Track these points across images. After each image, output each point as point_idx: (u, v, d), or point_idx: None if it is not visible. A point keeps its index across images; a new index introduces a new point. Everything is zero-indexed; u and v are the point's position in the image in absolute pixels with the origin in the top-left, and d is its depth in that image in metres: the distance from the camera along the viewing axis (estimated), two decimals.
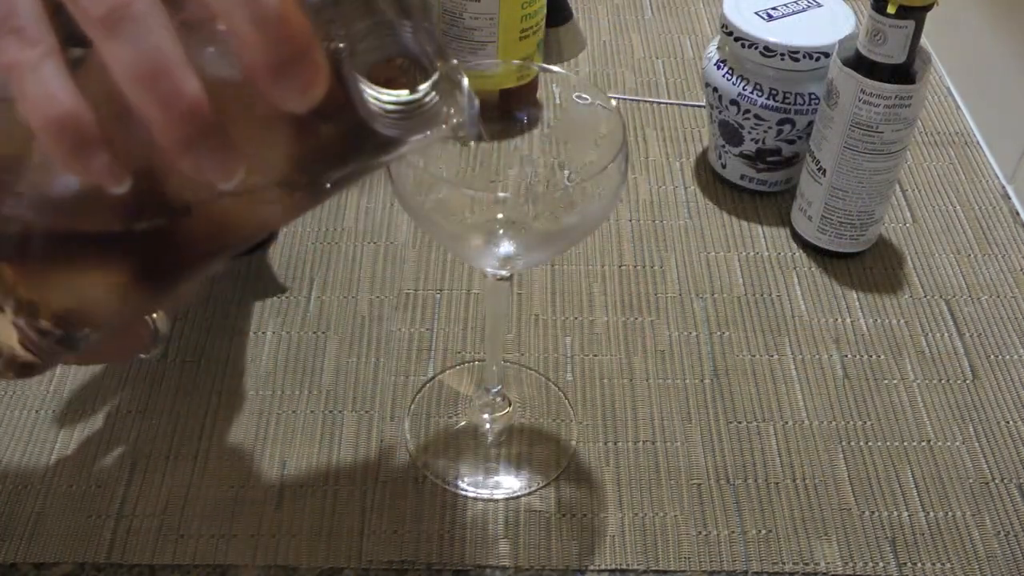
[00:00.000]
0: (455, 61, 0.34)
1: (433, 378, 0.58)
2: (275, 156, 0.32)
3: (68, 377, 0.58)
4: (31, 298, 0.33)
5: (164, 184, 0.32)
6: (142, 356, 0.45)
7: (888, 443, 0.56)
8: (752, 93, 0.65)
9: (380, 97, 0.31)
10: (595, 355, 0.60)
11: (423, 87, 0.33)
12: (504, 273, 0.48)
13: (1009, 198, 0.72)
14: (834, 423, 0.56)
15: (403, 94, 0.32)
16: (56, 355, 0.35)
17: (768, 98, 0.65)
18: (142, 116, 0.28)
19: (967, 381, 0.59)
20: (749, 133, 0.67)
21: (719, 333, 0.61)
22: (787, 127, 0.66)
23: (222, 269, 0.43)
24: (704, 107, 0.78)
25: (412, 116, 0.33)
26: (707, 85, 0.68)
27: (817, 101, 0.65)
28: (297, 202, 0.35)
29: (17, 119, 0.29)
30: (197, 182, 0.30)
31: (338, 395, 0.57)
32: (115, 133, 0.29)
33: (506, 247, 0.44)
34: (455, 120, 0.35)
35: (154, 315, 0.43)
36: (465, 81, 0.34)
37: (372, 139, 0.32)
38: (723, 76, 0.67)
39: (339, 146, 0.33)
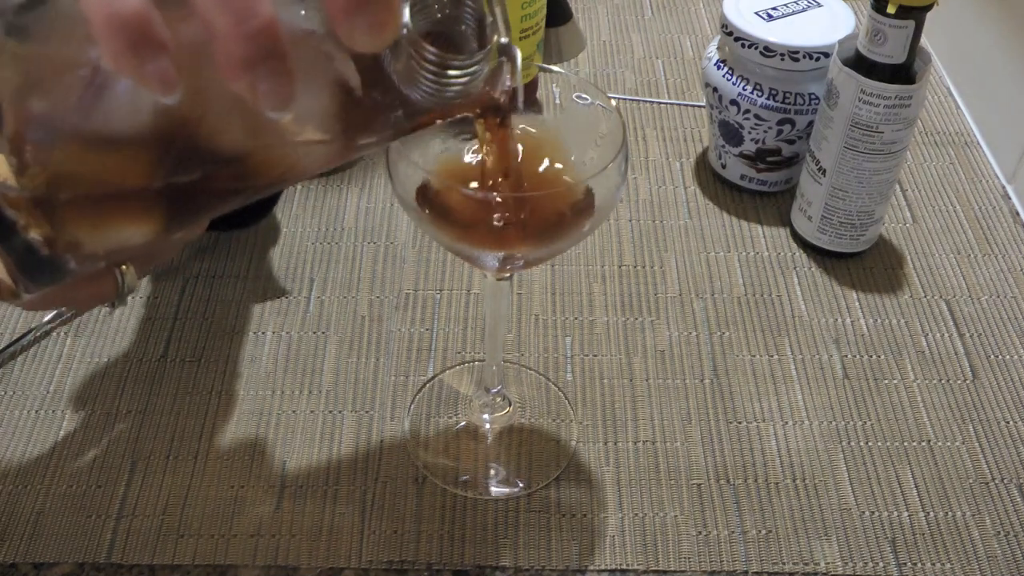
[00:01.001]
0: (508, 40, 0.35)
1: (433, 378, 0.58)
2: (321, 100, 0.32)
3: (68, 377, 0.58)
4: (33, 217, 0.32)
5: (208, 110, 0.32)
6: (107, 308, 0.44)
7: (888, 443, 0.56)
8: (752, 93, 0.65)
9: (431, 58, 0.32)
10: (595, 355, 0.60)
11: (475, 56, 0.33)
12: (504, 273, 0.48)
13: (1009, 198, 0.72)
14: (834, 423, 0.56)
15: (456, 59, 0.33)
16: (28, 281, 0.34)
17: (768, 98, 0.65)
18: (210, 27, 0.28)
19: (967, 381, 0.59)
20: (749, 133, 0.67)
21: (719, 333, 0.61)
22: (787, 127, 0.66)
23: (200, 232, 0.43)
24: (704, 107, 0.78)
25: (456, 82, 0.33)
26: (707, 85, 0.68)
27: (817, 101, 0.65)
28: (326, 153, 0.35)
29: (73, 19, 0.29)
30: (242, 114, 0.30)
31: (338, 395, 0.57)
32: (176, 42, 0.29)
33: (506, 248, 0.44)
34: (495, 95, 0.35)
35: (123, 267, 0.43)
36: (519, 59, 0.35)
37: (415, 103, 0.33)
38: (723, 76, 0.67)
39: (382, 103, 0.33)
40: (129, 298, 0.44)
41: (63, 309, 0.61)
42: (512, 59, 0.35)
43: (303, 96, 0.31)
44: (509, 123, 0.39)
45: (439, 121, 0.37)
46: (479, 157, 0.42)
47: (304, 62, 0.31)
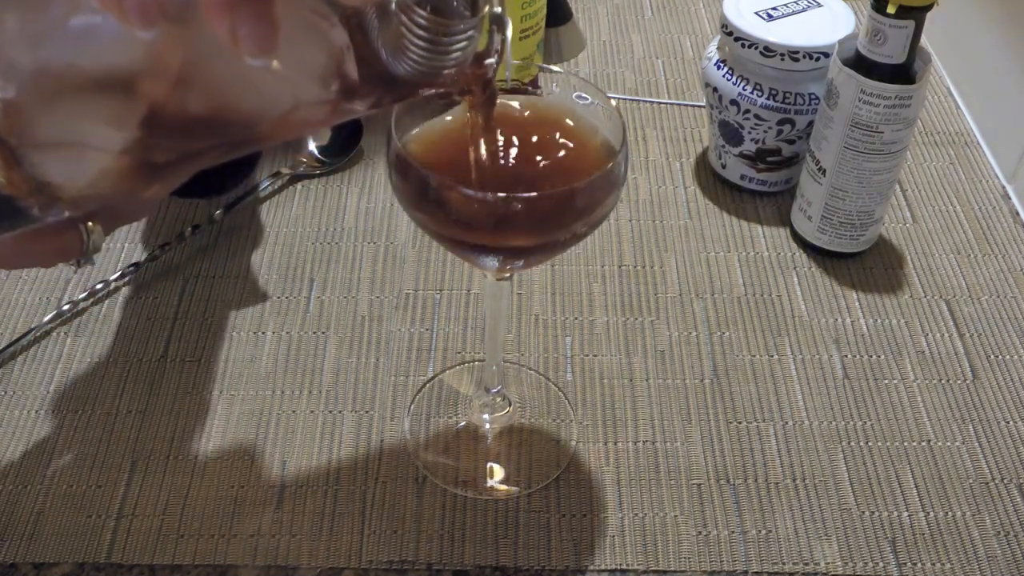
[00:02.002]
0: (501, 10, 0.34)
1: (433, 378, 0.58)
2: (303, 58, 0.32)
3: (68, 377, 0.58)
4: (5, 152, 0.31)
5: (187, 56, 0.31)
6: (72, 267, 0.43)
7: (888, 443, 0.56)
8: (752, 93, 0.65)
9: (423, 23, 0.32)
10: (595, 355, 0.60)
11: (468, 23, 0.33)
12: (504, 273, 0.48)
13: (1009, 198, 0.72)
14: (834, 423, 0.56)
15: (448, 24, 0.32)
16: None
17: (768, 98, 0.65)
18: None
19: (967, 381, 0.59)
20: (749, 133, 0.67)
21: (719, 333, 0.61)
22: (787, 127, 0.66)
23: (180, 181, 0.42)
24: (704, 107, 0.78)
25: (446, 51, 0.33)
26: (707, 85, 0.68)
27: (817, 101, 0.65)
28: (303, 116, 0.35)
29: None
30: (222, 63, 0.30)
31: (338, 395, 0.57)
32: None
33: (506, 248, 0.44)
34: (484, 68, 0.35)
35: (89, 224, 0.41)
36: (509, 30, 0.35)
37: (400, 76, 0.33)
38: (723, 76, 0.67)
39: (365, 72, 0.33)
40: (95, 257, 0.43)
41: (64, 308, 0.61)
42: (503, 29, 0.35)
43: (285, 49, 0.31)
44: (495, 100, 0.38)
45: (422, 93, 0.37)
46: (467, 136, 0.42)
47: (291, 15, 0.31)
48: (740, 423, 0.56)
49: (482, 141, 0.41)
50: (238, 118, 0.34)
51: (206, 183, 0.68)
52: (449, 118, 0.45)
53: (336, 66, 0.33)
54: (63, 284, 0.63)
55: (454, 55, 0.33)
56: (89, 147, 0.33)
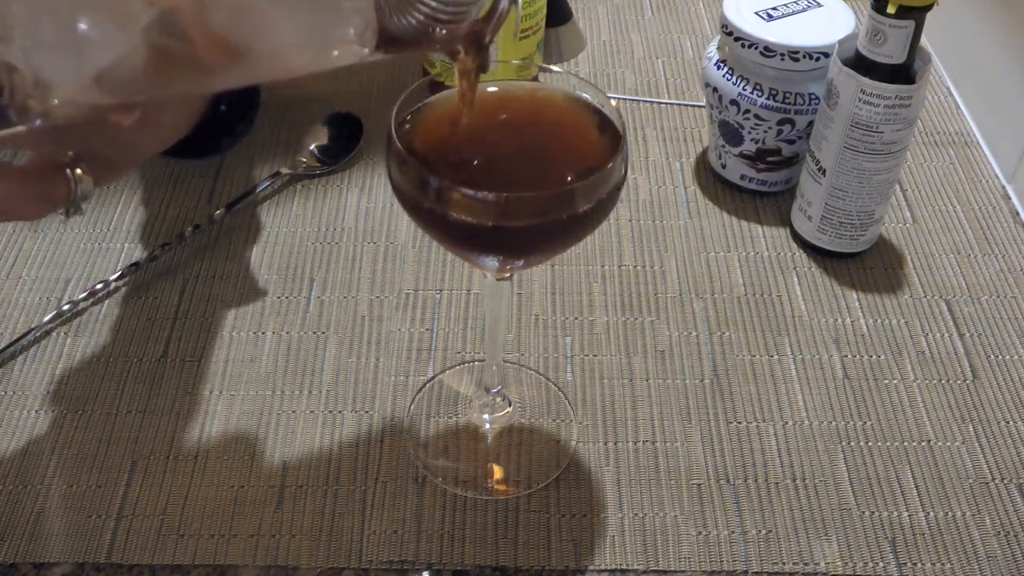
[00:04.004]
0: None
1: (433, 378, 0.58)
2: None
3: (68, 377, 0.58)
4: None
5: None
6: (61, 216, 0.42)
7: (888, 443, 0.56)
8: (752, 93, 0.65)
9: None
10: (595, 355, 0.60)
11: None
12: (504, 273, 0.48)
13: (1009, 198, 0.72)
14: (834, 423, 0.56)
15: None
16: None
17: (768, 98, 0.65)
18: None
19: (967, 381, 0.59)
20: (749, 133, 0.67)
21: (719, 333, 0.61)
22: (787, 127, 0.66)
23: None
24: (704, 107, 0.78)
25: (452, 7, 0.33)
26: (707, 85, 0.68)
27: (817, 101, 0.65)
28: (300, 58, 0.35)
29: None
30: None
31: (338, 395, 0.57)
32: None
33: (506, 248, 0.44)
34: (485, 27, 0.35)
35: (78, 171, 0.40)
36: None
37: (395, 30, 0.33)
38: (723, 76, 0.67)
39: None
40: (84, 206, 0.41)
41: (64, 308, 0.61)
42: None
43: None
44: (486, 68, 0.38)
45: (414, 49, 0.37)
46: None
47: None
48: (740, 423, 0.56)
49: (465, 116, 0.41)
50: (241, 42, 0.33)
51: (202, 142, 0.68)
52: (450, 114, 0.45)
53: (351, 10, 0.33)
54: (63, 284, 0.63)
55: (459, 11, 0.33)
56: (89, 46, 0.32)
